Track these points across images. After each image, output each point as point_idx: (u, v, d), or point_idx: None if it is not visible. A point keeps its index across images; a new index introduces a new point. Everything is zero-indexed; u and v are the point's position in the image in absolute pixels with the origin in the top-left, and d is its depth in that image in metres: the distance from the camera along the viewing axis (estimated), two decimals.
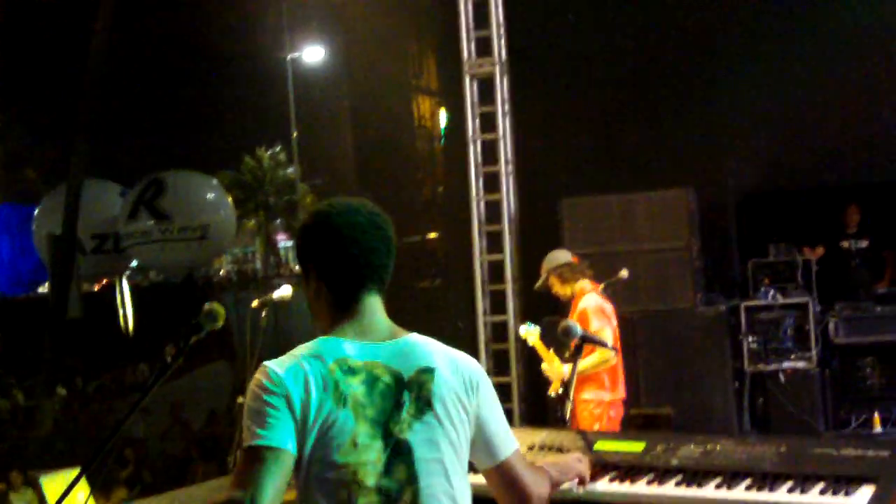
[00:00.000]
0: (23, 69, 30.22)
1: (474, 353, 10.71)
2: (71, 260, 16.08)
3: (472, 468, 3.03)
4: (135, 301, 18.98)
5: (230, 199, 18.29)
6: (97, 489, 9.27)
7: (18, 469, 11.49)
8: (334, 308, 2.96)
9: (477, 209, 10.98)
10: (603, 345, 5.28)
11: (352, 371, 2.81)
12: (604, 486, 3.55)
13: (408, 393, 2.84)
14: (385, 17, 11.95)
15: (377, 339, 2.90)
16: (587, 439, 3.95)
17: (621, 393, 7.57)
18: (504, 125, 10.92)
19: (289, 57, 34.53)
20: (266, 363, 2.83)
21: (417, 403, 2.84)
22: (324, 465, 2.75)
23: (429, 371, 2.88)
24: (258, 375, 2.81)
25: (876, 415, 10.56)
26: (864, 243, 11.78)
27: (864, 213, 11.89)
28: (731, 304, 10.53)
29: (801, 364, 10.26)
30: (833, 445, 3.58)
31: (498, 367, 10.92)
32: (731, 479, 3.48)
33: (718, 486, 3.45)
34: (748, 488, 3.38)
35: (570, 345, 4.54)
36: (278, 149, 50.03)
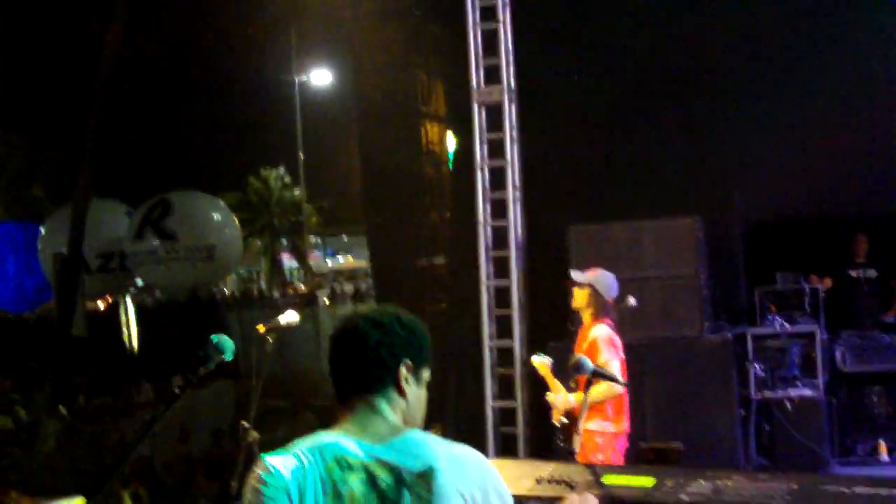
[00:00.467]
0: (31, 87, 30.33)
1: (479, 378, 10.72)
2: (76, 278, 16.09)
3: None
4: (139, 320, 19.00)
5: (236, 220, 18.32)
6: None
7: (18, 489, 11.45)
8: (341, 410, 2.98)
9: (484, 234, 10.98)
10: (613, 380, 5.26)
11: (350, 468, 2.78)
12: None
13: (408, 494, 2.79)
14: (394, 43, 11.98)
15: (378, 438, 2.87)
16: (596, 473, 3.93)
17: (625, 425, 7.53)
18: (512, 152, 10.92)
19: (297, 79, 34.68)
20: (266, 457, 2.83)
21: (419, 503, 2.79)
22: None
23: (430, 472, 2.81)
24: (258, 470, 2.80)
25: (882, 443, 10.56)
26: (872, 273, 11.79)
27: (873, 243, 11.90)
28: (737, 331, 10.51)
29: (807, 392, 10.26)
30: (844, 484, 3.55)
31: (503, 391, 10.90)
32: None
33: None
34: None
35: (580, 379, 4.53)
36: (282, 171, 50.18)
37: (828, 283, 11.70)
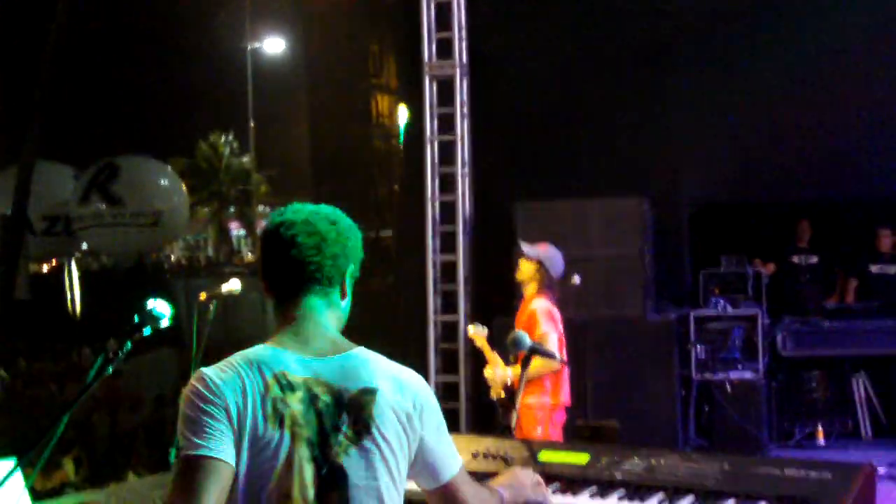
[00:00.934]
0: None
1: (424, 351, 10.73)
2: (20, 241, 15.93)
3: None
4: (83, 284, 18.84)
5: (184, 187, 18.19)
6: (41, 471, 9.17)
7: None
8: (278, 315, 2.90)
9: (432, 209, 10.97)
10: (551, 356, 5.27)
11: (290, 387, 2.72)
12: (546, 498, 3.53)
13: (346, 415, 2.75)
14: (347, 15, 11.96)
15: (319, 353, 2.81)
16: (532, 449, 3.94)
17: (565, 399, 7.56)
18: (462, 127, 10.92)
19: (249, 46, 34.39)
20: (203, 370, 2.74)
21: (356, 427, 2.76)
22: (256, 485, 2.68)
23: (370, 392, 2.79)
24: (195, 382, 2.72)
25: (819, 427, 10.69)
26: (814, 259, 11.92)
27: (816, 230, 12.02)
28: (680, 312, 10.59)
29: (747, 375, 10.34)
30: (776, 465, 3.59)
31: (446, 366, 10.92)
32: (673, 494, 3.48)
33: (661, 502, 3.45)
34: None
35: (518, 355, 4.54)
36: (231, 138, 49.85)
37: (771, 267, 11.83)
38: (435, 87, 11.00)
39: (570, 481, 3.66)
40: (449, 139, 10.93)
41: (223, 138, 51.33)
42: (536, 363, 6.92)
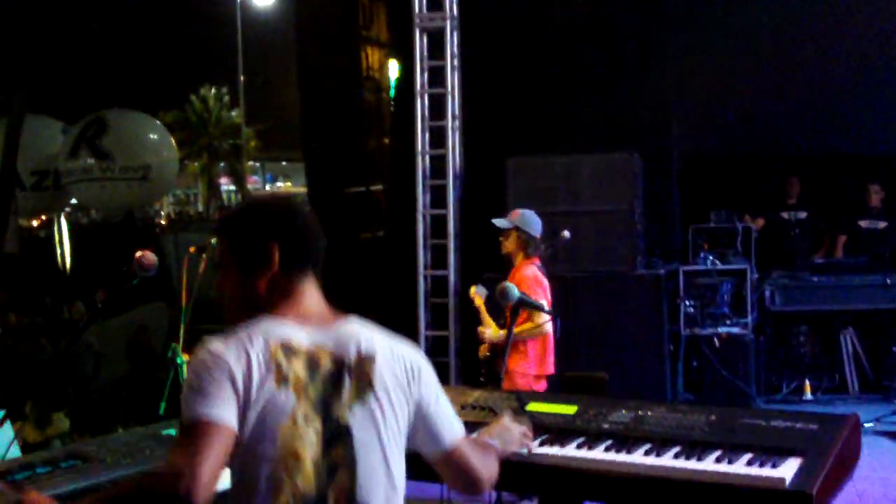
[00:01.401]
0: None
1: (413, 306, 10.75)
2: (10, 195, 15.87)
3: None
4: (73, 239, 18.78)
5: (173, 141, 18.10)
6: (34, 424, 9.20)
7: None
8: (278, 291, 2.94)
9: (422, 163, 10.95)
10: (539, 309, 5.29)
11: (294, 353, 2.80)
12: (534, 448, 3.56)
13: (349, 377, 2.85)
14: None
15: (319, 324, 2.90)
16: (520, 399, 3.96)
17: (549, 369, 7.56)
18: (453, 80, 10.88)
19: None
20: (208, 341, 2.81)
21: (359, 387, 2.85)
22: (263, 443, 2.73)
23: (370, 358, 2.89)
24: (200, 351, 2.78)
25: (807, 382, 10.76)
26: (802, 214, 11.92)
27: (805, 185, 12.04)
28: (670, 268, 10.61)
29: (736, 330, 10.40)
30: (763, 417, 3.61)
31: (436, 321, 10.95)
32: (660, 445, 3.50)
33: (647, 453, 3.47)
34: (676, 456, 3.40)
35: (506, 307, 4.55)
36: (224, 90, 49.65)
37: (760, 222, 11.86)
38: (425, 40, 10.95)
39: (557, 432, 3.68)
40: (439, 92, 10.89)
41: (213, 91, 51.16)
42: (525, 327, 6.98)
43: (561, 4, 11.18)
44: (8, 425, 4.15)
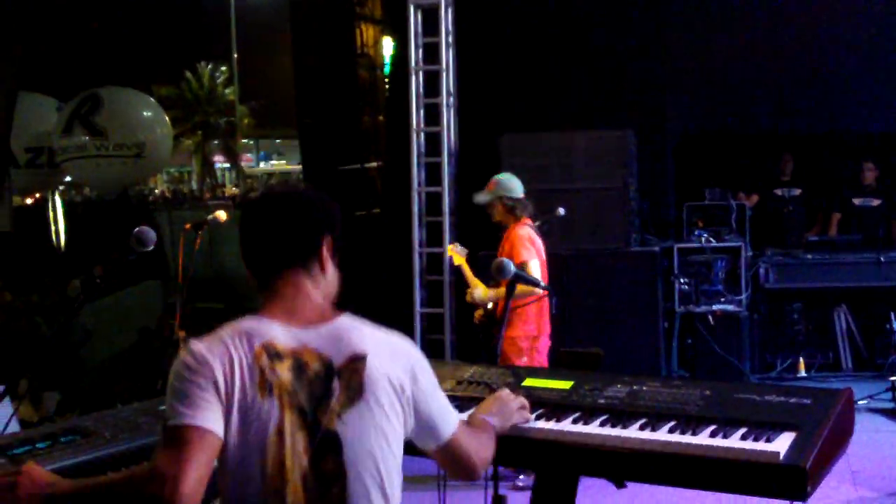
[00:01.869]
0: None
1: (409, 283, 10.76)
2: (2, 173, 15.83)
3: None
4: (68, 217, 18.76)
5: (167, 118, 18.06)
6: (28, 400, 9.22)
7: None
8: (260, 290, 2.90)
9: (417, 140, 10.96)
10: (536, 284, 5.30)
11: (279, 356, 2.73)
12: (531, 423, 3.57)
13: (338, 381, 2.77)
14: None
15: (306, 323, 2.82)
16: (516, 375, 3.97)
17: (547, 328, 7.64)
18: (447, 57, 10.87)
19: None
20: (192, 342, 2.75)
21: (348, 392, 2.77)
22: (247, 454, 2.69)
23: (360, 358, 2.80)
24: (184, 355, 2.72)
25: (801, 360, 10.80)
26: (796, 192, 11.96)
27: (798, 162, 12.05)
28: (664, 245, 10.63)
29: (730, 307, 10.43)
30: (757, 391, 3.62)
31: (431, 298, 10.97)
32: (655, 420, 3.51)
33: (642, 427, 3.48)
34: (671, 430, 3.42)
35: (502, 283, 4.57)
36: (223, 68, 49.53)
37: (754, 199, 11.88)
38: (420, 16, 10.93)
39: (553, 407, 3.70)
40: (434, 69, 10.88)
41: (208, 67, 51.02)
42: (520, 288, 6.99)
43: None
44: (7, 401, 4.17)
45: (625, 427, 3.51)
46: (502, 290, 7.10)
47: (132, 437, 3.66)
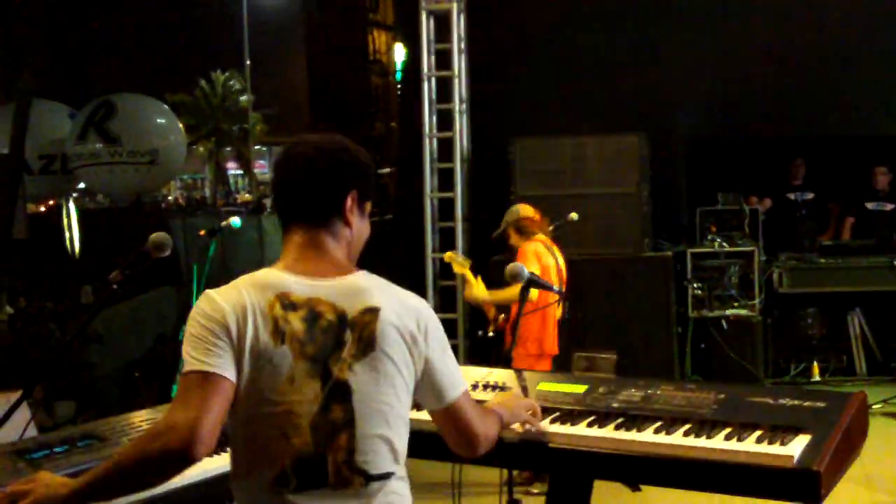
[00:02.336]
0: None
1: (422, 289, 10.78)
2: (17, 180, 15.88)
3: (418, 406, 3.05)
4: (82, 224, 18.81)
5: (181, 125, 18.11)
6: (41, 409, 9.24)
7: None
8: (284, 242, 2.94)
9: (429, 146, 10.98)
10: (548, 289, 5.30)
11: (293, 306, 2.76)
12: (545, 427, 3.58)
13: (350, 332, 2.79)
14: None
15: (322, 275, 2.84)
16: (530, 379, 3.98)
17: (552, 348, 7.59)
18: (460, 63, 10.89)
19: None
20: (208, 291, 2.80)
21: (360, 343, 2.79)
22: (258, 401, 2.72)
23: (373, 311, 2.82)
24: (199, 302, 2.77)
25: (815, 364, 10.77)
26: (809, 196, 11.93)
27: (810, 167, 12.03)
28: (677, 250, 10.62)
29: (743, 312, 10.41)
30: (771, 395, 3.62)
31: (445, 303, 10.98)
32: (670, 424, 3.52)
33: (657, 431, 3.48)
34: (686, 434, 3.42)
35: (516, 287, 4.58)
36: (236, 77, 49.58)
37: (767, 203, 11.85)
38: (432, 23, 10.96)
39: (568, 411, 3.70)
40: (446, 75, 10.90)
41: (222, 74, 51.10)
42: (512, 290, 6.88)
43: None
44: (25, 406, 4.19)
45: (639, 431, 3.51)
46: (503, 292, 7.15)
47: None
